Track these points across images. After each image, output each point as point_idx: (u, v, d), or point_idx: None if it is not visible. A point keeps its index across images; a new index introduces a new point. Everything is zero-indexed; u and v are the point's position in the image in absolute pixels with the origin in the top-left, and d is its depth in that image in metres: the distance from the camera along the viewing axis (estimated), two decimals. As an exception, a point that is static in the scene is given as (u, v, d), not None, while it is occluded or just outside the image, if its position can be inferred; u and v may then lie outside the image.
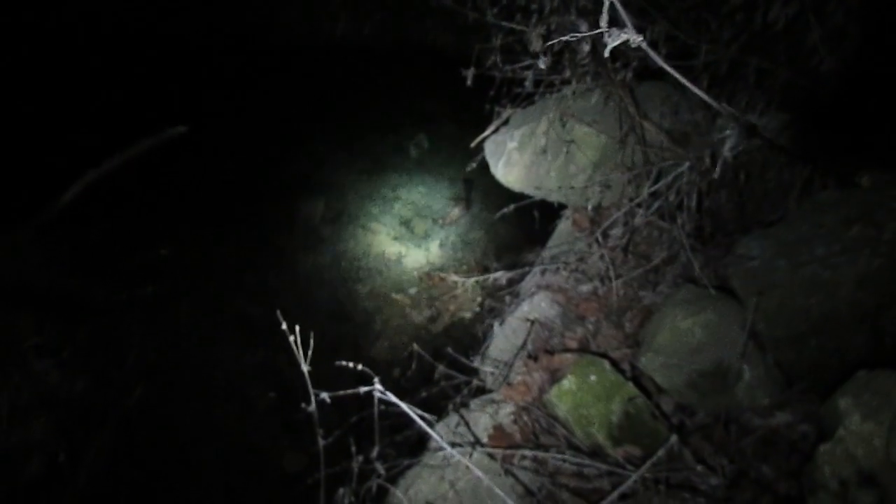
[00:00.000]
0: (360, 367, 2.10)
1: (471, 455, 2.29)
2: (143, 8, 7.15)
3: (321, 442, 2.18)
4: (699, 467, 2.11)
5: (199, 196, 5.49)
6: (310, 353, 2.09)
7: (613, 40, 0.99)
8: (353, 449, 2.21)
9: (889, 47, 2.53)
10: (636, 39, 0.97)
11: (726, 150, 1.00)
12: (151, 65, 6.66)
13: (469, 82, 3.06)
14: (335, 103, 7.05)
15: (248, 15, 7.65)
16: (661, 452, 2.10)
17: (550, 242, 3.53)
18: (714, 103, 1.05)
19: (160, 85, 6.40)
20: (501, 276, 3.36)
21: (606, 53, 1.05)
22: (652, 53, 1.05)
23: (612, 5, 0.97)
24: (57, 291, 4.25)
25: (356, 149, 6.65)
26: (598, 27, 1.04)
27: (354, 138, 6.77)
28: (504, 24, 3.05)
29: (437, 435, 2.14)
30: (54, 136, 5.41)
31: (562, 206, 3.52)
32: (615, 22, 0.98)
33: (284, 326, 2.04)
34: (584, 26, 2.69)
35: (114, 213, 5.01)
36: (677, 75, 1.09)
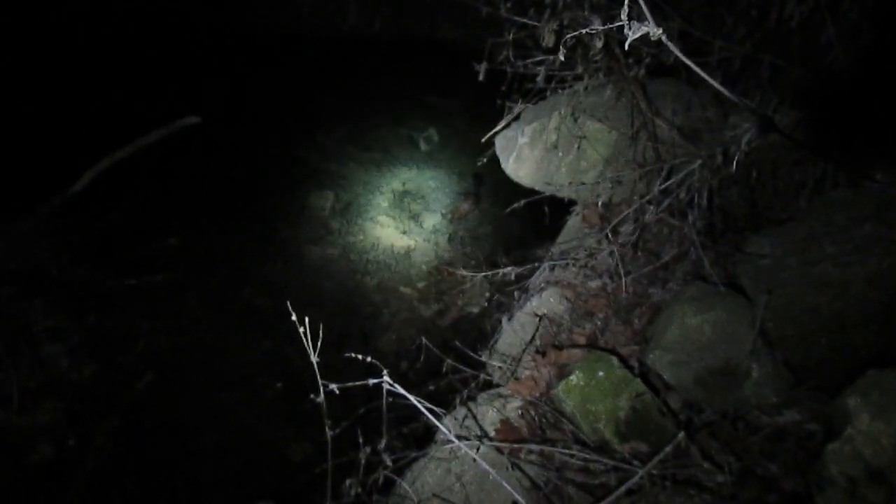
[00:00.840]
0: (369, 359, 2.11)
1: (478, 448, 2.30)
2: (152, 4, 7.16)
3: (329, 433, 2.19)
4: (706, 464, 2.11)
5: (209, 186, 5.52)
6: (318, 344, 2.11)
7: (634, 33, 0.98)
8: (361, 440, 2.23)
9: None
10: (656, 32, 0.96)
11: (744, 144, 0.99)
12: (162, 57, 6.68)
13: (481, 77, 3.05)
14: (345, 97, 7.06)
15: (257, 8, 7.66)
16: (668, 449, 2.10)
17: (560, 238, 3.53)
18: (734, 97, 1.05)
19: (170, 76, 6.42)
20: (510, 272, 3.35)
21: (626, 46, 1.05)
22: (672, 47, 1.05)
23: None
24: (67, 278, 4.28)
25: (366, 142, 6.67)
26: (613, 22, 1.04)
27: (364, 131, 6.79)
28: (516, 18, 3.04)
29: (445, 428, 2.15)
30: (67, 125, 5.45)
31: (572, 202, 3.51)
32: (633, 15, 0.98)
33: (294, 318, 2.05)
34: (597, 21, 2.69)
35: (125, 201, 5.04)
36: (697, 69, 1.09)
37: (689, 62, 1.07)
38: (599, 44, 2.69)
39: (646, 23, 0.96)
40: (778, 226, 2.62)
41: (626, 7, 0.98)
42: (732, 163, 2.65)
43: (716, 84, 1.10)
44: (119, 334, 4.03)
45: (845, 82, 2.61)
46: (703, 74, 1.08)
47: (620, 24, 0.99)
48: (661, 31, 0.95)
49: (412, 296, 4.96)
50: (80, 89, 6.05)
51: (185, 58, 6.77)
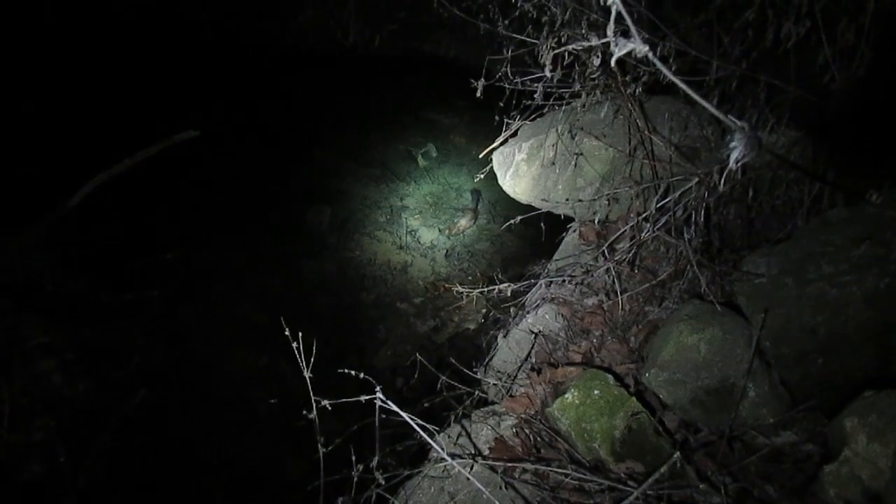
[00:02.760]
0: (362, 375, 2.10)
1: (471, 467, 2.28)
2: (154, 16, 7.19)
3: (321, 449, 2.17)
4: (702, 485, 2.09)
5: (207, 201, 5.51)
6: (312, 359, 2.10)
7: (620, 49, 0.98)
8: (354, 457, 2.20)
9: (900, 66, 2.53)
10: (642, 49, 0.96)
11: (731, 162, 0.99)
12: (162, 71, 6.70)
13: (479, 94, 3.06)
14: (344, 112, 7.08)
15: (258, 24, 7.70)
16: (663, 469, 2.08)
17: (557, 255, 3.52)
18: (719, 114, 1.04)
19: (170, 91, 6.43)
20: (507, 288, 3.33)
21: (613, 62, 1.05)
22: (659, 64, 1.04)
23: (619, 15, 0.97)
24: (63, 292, 4.26)
25: (364, 157, 6.69)
26: (614, 38, 1.04)
27: (363, 147, 6.80)
28: (515, 36, 3.06)
29: (438, 446, 2.13)
30: (64, 137, 5.44)
31: (569, 219, 3.51)
32: (623, 33, 0.98)
33: (287, 333, 2.05)
34: (594, 39, 2.69)
35: (122, 215, 5.03)
36: (683, 85, 1.09)
37: (675, 79, 1.07)
38: (597, 61, 2.70)
39: (632, 39, 0.96)
40: (774, 244, 2.61)
41: (612, 24, 0.97)
42: (728, 181, 2.65)
43: (700, 100, 1.10)
44: (113, 350, 4.00)
45: (842, 102, 2.62)
46: (689, 91, 1.07)
47: (607, 40, 0.99)
48: (647, 48, 0.95)
49: (409, 311, 4.95)
50: (91, 92, 6.04)
51: (185, 71, 6.78)
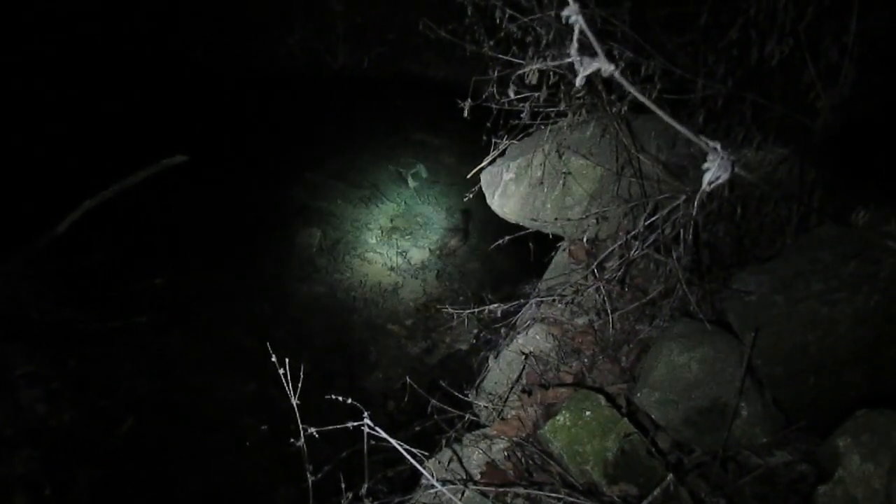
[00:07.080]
0: (349, 401, 2.07)
1: (462, 493, 2.24)
2: (143, 39, 7.20)
3: (310, 477, 2.14)
4: (696, 507, 2.07)
5: (195, 225, 5.48)
6: (300, 385, 2.07)
7: (585, 69, 0.98)
8: (343, 485, 2.17)
9: (883, 84, 2.54)
10: (608, 69, 0.96)
11: (704, 184, 0.99)
12: (150, 95, 6.69)
13: (466, 114, 3.06)
14: (334, 134, 7.09)
15: (247, 46, 7.73)
16: (656, 492, 2.05)
17: (547, 274, 3.51)
18: (691, 135, 1.04)
19: (159, 115, 6.42)
20: (497, 309, 3.31)
21: (578, 83, 1.05)
22: (626, 84, 1.04)
23: (581, 33, 0.97)
24: (49, 320, 4.21)
25: (354, 179, 6.68)
26: (577, 57, 1.03)
27: (353, 169, 6.80)
28: (501, 56, 3.06)
29: (429, 472, 2.10)
30: (51, 163, 5.41)
31: (558, 238, 3.50)
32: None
33: (274, 359, 2.02)
34: (574, 55, 2.70)
35: (109, 241, 4.99)
36: (653, 106, 1.08)
37: (644, 99, 1.07)
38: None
39: (597, 59, 0.96)
40: (764, 262, 2.60)
41: (575, 43, 0.97)
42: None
43: (669, 118, 1.10)
44: (100, 378, 3.95)
45: (827, 121, 2.63)
46: (658, 111, 1.07)
47: (571, 60, 0.99)
48: (612, 67, 0.95)
49: (400, 333, 4.92)
50: (79, 117, 6.01)
51: (174, 95, 6.79)
